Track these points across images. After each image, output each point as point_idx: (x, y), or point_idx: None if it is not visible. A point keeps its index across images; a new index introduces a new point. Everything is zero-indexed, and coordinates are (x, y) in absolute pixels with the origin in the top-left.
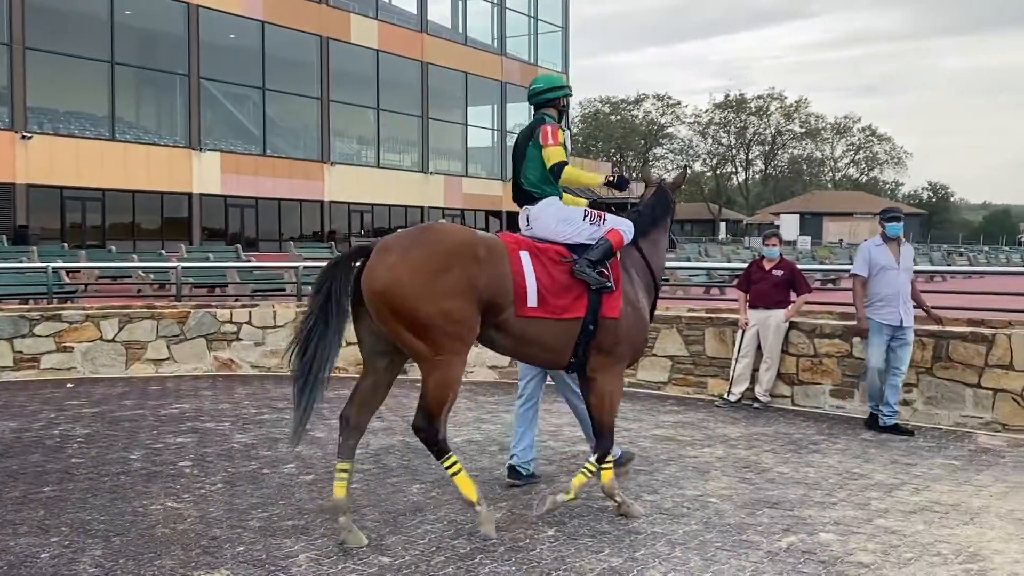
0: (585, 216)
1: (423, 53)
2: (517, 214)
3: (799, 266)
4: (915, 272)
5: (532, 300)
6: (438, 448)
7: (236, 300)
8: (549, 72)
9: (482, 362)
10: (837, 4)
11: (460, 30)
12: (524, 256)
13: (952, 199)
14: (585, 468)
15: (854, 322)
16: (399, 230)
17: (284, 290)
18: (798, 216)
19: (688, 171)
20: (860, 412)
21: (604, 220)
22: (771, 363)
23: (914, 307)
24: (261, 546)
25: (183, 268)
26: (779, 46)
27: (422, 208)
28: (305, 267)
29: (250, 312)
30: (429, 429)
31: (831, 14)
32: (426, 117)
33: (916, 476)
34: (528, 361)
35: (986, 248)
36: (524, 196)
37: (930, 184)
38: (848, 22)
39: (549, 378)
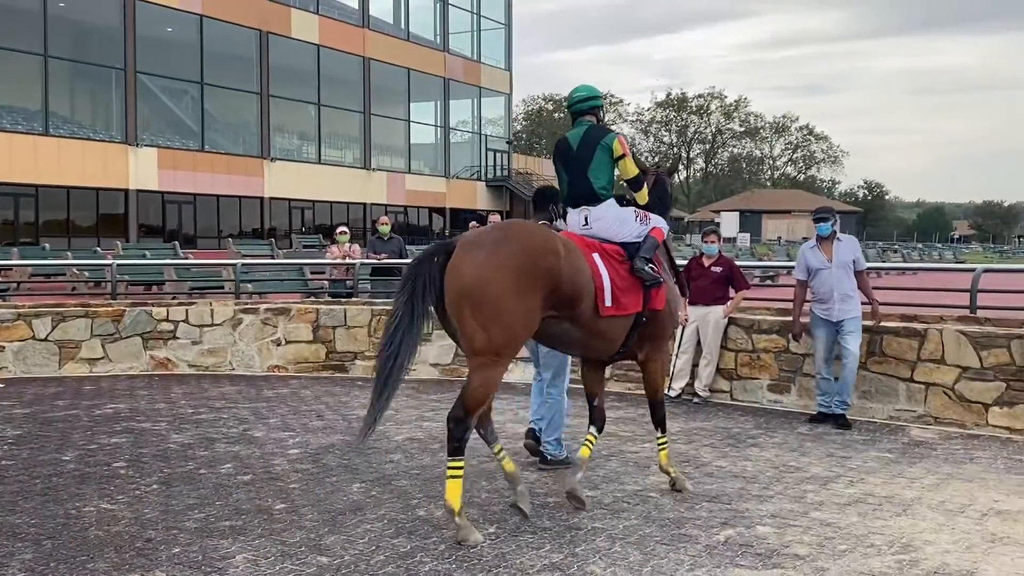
0: (636, 217)
1: (365, 48)
2: (463, 210)
3: (738, 263)
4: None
5: (608, 299)
6: (460, 445)
7: (174, 298)
8: (584, 85)
9: (424, 360)
10: (777, 5)
11: (402, 26)
12: (596, 257)
13: (887, 197)
14: (659, 443)
15: (788, 317)
16: (476, 226)
17: (223, 288)
18: (738, 214)
19: (681, 155)
20: (797, 406)
21: (648, 219)
22: (710, 359)
23: (864, 302)
24: (197, 547)
25: (118, 266)
26: (720, 45)
27: (364, 205)
28: (243, 264)
29: (187, 310)
30: (466, 421)
31: (771, 14)
32: (368, 113)
33: (851, 469)
34: (584, 352)
35: (920, 245)
36: (588, 197)
37: (866, 183)
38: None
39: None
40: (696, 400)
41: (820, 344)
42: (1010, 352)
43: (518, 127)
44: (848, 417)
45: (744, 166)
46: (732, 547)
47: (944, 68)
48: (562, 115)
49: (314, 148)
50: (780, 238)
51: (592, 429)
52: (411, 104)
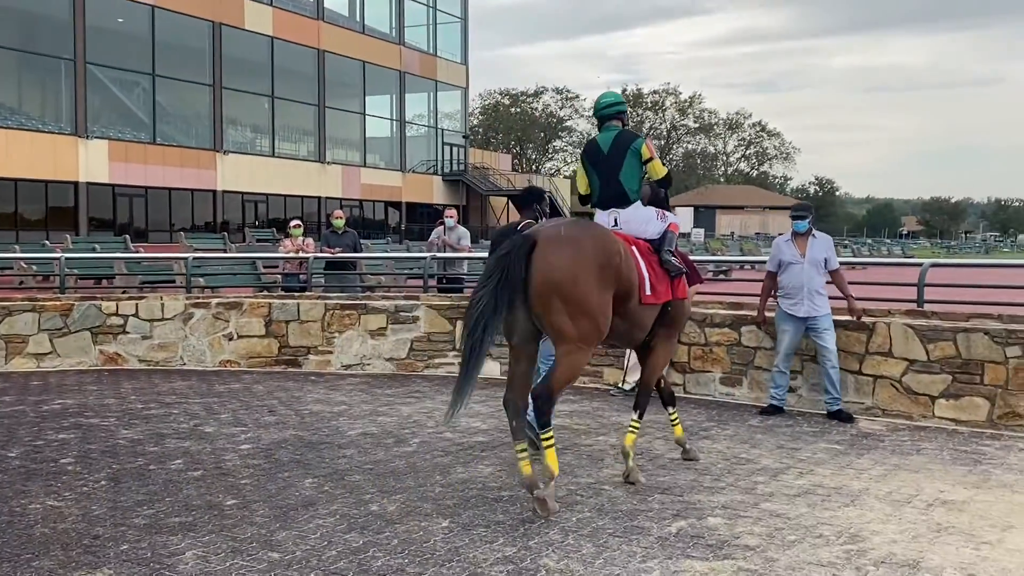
0: (657, 215)
1: (319, 41)
2: (419, 204)
3: (691, 257)
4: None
5: (648, 290)
6: (546, 420)
7: (124, 292)
8: (610, 92)
9: (378, 354)
10: (731, 2)
11: (357, 18)
12: (635, 251)
13: (838, 193)
14: (631, 426)
15: (742, 312)
16: (547, 222)
17: (174, 281)
18: (692, 209)
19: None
20: (748, 399)
21: (665, 216)
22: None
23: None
24: (146, 544)
25: (67, 259)
26: (675, 42)
27: (319, 198)
28: (195, 258)
29: (137, 304)
30: (550, 400)
31: (726, 12)
32: (323, 106)
33: (800, 460)
34: (623, 341)
35: (869, 240)
36: (620, 199)
37: (817, 179)
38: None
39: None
40: (628, 389)
41: (785, 338)
42: (956, 345)
43: (474, 121)
44: (796, 410)
45: (698, 162)
46: (684, 538)
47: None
48: (518, 110)
49: (268, 141)
50: (733, 233)
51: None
52: (366, 97)
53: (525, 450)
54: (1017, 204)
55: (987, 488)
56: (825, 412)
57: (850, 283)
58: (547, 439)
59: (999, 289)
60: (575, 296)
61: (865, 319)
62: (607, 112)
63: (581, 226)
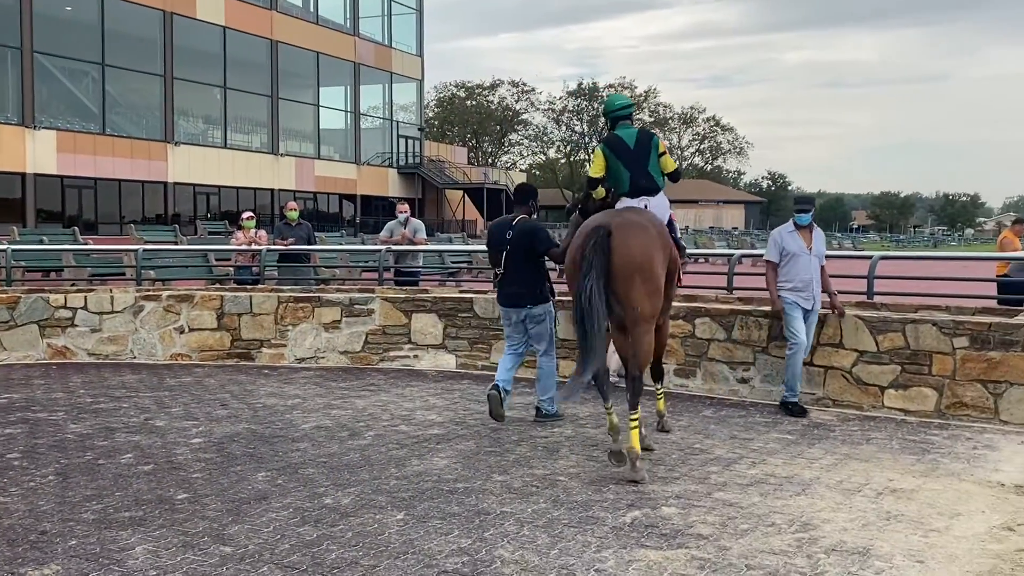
0: (668, 204)
1: (272, 31)
2: (374, 197)
3: None
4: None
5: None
6: (638, 400)
7: (72, 285)
8: (620, 94)
9: (333, 347)
10: None
11: (312, 9)
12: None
13: (790, 187)
14: (658, 397)
15: (718, 305)
16: (608, 210)
17: (124, 274)
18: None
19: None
20: (702, 391)
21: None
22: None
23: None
24: (95, 539)
25: (14, 251)
26: (631, 36)
27: (272, 191)
28: (145, 250)
29: (86, 297)
30: (643, 377)
31: (683, 5)
32: (276, 97)
33: (753, 450)
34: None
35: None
36: (650, 189)
37: (769, 173)
38: (696, 14)
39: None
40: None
41: (800, 324)
42: (904, 336)
43: (430, 114)
44: (749, 401)
45: None
46: (638, 528)
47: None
48: (474, 103)
49: (220, 132)
50: (687, 227)
51: (658, 385)
52: (320, 89)
53: (612, 405)
54: (964, 199)
55: (935, 477)
56: (779, 403)
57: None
58: (635, 419)
59: (946, 281)
60: (652, 275)
61: (820, 311)
62: (623, 112)
63: (639, 213)
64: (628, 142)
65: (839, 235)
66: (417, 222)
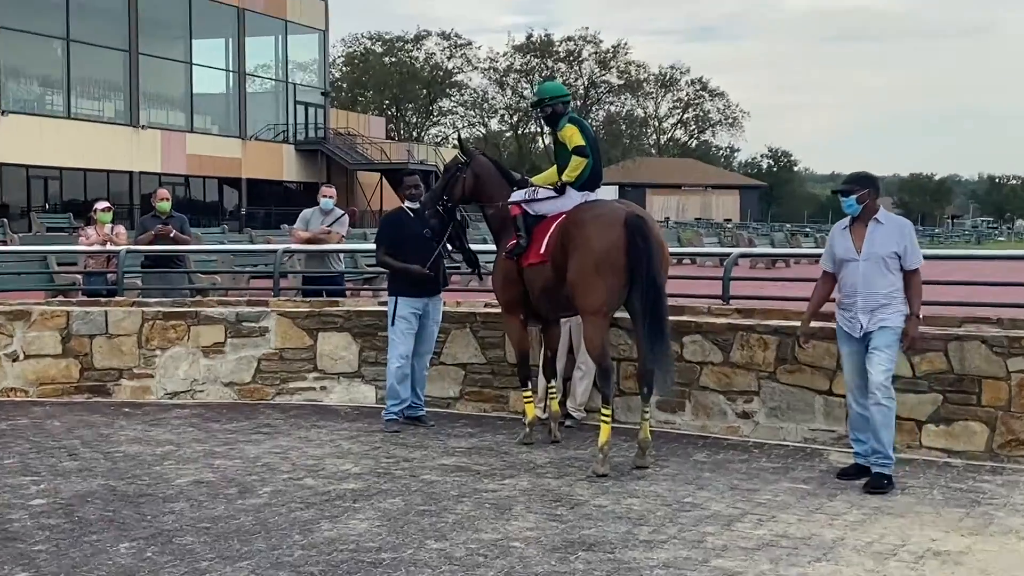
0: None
1: None
2: (265, 182)
3: None
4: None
5: None
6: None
7: None
8: (556, 82)
9: (214, 377)
10: None
11: None
12: None
13: (796, 169)
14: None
15: (684, 317)
16: (610, 201)
17: None
18: (616, 188)
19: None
20: (692, 428)
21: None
22: (586, 369)
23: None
24: None
25: None
26: None
27: (131, 173)
28: None
29: None
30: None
31: None
32: (135, 53)
33: (759, 504)
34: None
35: None
36: (598, 181)
37: (771, 151)
38: None
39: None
40: (569, 423)
41: (846, 364)
42: (947, 357)
43: (337, 75)
44: (753, 441)
45: (624, 128)
46: None
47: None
48: (393, 59)
49: (61, 98)
50: (668, 218)
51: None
52: (193, 41)
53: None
54: (1014, 182)
55: (988, 535)
56: (856, 465)
57: (812, 280)
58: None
59: (996, 287)
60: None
61: (834, 325)
62: (564, 100)
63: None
64: (587, 127)
65: None
66: (340, 213)
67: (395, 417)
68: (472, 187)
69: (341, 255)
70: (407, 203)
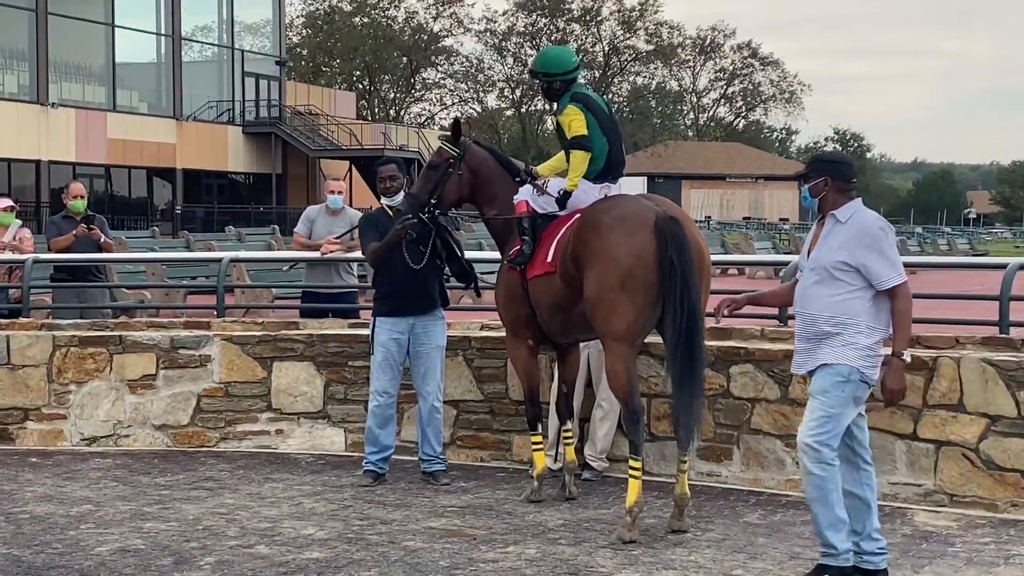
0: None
1: None
2: (206, 173)
3: None
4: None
5: None
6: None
7: None
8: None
9: (144, 419)
10: None
11: None
12: None
13: (869, 156)
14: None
15: (730, 342)
16: (635, 198)
17: None
18: (643, 180)
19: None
20: (742, 482)
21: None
22: (608, 408)
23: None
24: None
25: None
26: None
27: (37, 162)
28: None
29: None
30: None
31: None
32: (43, 12)
33: None
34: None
35: (918, 228)
36: (620, 167)
37: (837, 133)
38: None
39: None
40: (587, 475)
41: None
42: None
43: (295, 39)
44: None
45: (653, 105)
46: None
47: None
48: (367, 21)
49: None
50: (709, 218)
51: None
52: None
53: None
54: None
55: None
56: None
57: None
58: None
59: None
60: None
61: (921, 352)
62: (574, 75)
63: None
64: (603, 106)
65: (947, 230)
66: (352, 213)
67: (373, 469)
68: (471, 187)
69: (353, 265)
70: (384, 200)
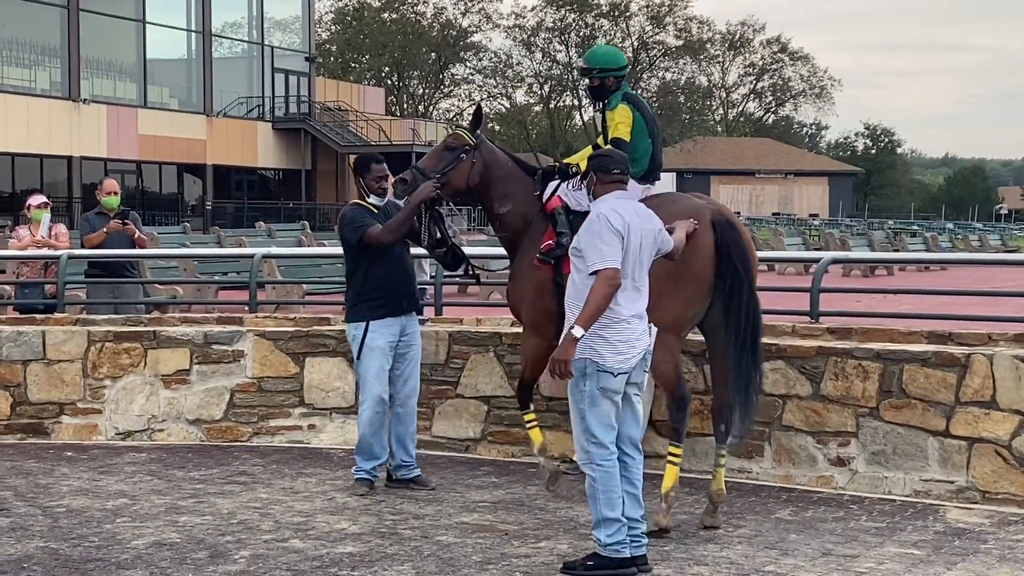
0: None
1: None
2: (236, 169)
3: None
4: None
5: None
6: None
7: None
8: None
9: (178, 413)
10: None
11: None
12: None
13: (900, 151)
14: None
15: (797, 340)
16: (684, 196)
17: None
18: (673, 176)
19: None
20: (774, 478)
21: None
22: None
23: None
24: None
25: None
26: None
27: (69, 158)
28: None
29: None
30: None
31: None
32: (75, 9)
33: (859, 575)
34: None
35: (950, 225)
36: (659, 171)
37: (868, 128)
38: None
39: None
40: (565, 467)
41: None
42: None
43: (325, 35)
44: (850, 494)
45: (682, 100)
46: None
47: None
48: (396, 16)
49: None
50: (739, 214)
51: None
52: None
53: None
54: None
55: None
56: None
57: (922, 292)
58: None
59: None
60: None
61: (954, 349)
62: (623, 73)
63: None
64: (646, 105)
65: (979, 226)
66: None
67: (367, 477)
68: (481, 178)
69: (424, 263)
70: (371, 198)
